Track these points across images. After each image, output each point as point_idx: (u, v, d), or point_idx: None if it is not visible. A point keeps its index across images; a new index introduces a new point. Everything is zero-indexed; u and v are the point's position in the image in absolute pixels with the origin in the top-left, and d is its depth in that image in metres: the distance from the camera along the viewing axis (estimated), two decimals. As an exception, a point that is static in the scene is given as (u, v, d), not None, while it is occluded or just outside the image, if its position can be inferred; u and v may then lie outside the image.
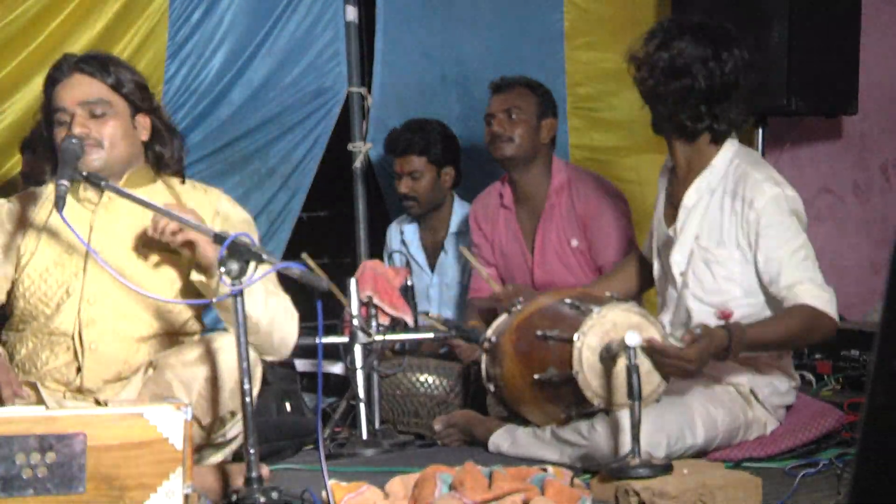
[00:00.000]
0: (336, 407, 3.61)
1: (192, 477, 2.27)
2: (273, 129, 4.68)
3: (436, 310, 4.39)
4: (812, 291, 2.95)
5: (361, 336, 3.50)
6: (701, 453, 2.98)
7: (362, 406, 3.43)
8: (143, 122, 2.97)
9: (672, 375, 2.91)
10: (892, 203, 4.72)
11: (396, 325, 3.77)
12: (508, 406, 3.28)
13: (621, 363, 2.82)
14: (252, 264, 2.47)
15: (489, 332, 3.32)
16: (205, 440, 2.79)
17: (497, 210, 4.21)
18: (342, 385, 3.74)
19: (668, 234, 3.24)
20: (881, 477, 1.22)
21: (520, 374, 3.14)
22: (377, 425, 3.47)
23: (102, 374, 2.87)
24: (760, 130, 4.45)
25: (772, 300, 3.06)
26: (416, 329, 3.81)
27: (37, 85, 3.62)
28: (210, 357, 2.75)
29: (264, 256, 2.46)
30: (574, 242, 4.06)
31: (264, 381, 3.00)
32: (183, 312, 2.95)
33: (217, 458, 2.85)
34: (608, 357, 2.91)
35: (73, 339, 2.87)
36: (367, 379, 3.49)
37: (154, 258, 2.90)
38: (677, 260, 3.19)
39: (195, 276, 2.79)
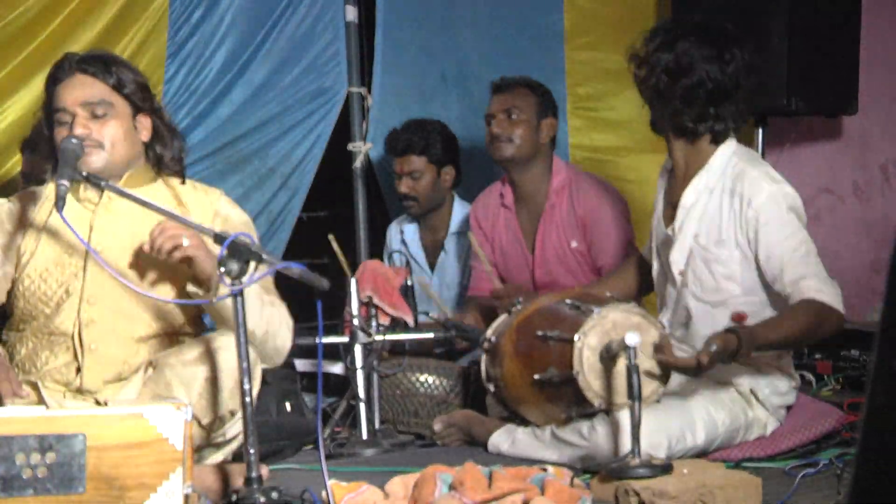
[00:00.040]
0: (336, 407, 3.61)
1: (192, 477, 2.27)
2: (273, 129, 4.68)
3: (435, 309, 4.39)
4: (816, 286, 2.94)
5: (361, 336, 3.50)
6: (701, 454, 2.98)
7: (362, 406, 3.43)
8: (144, 122, 2.97)
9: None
10: (892, 203, 4.72)
11: (396, 325, 3.77)
12: (508, 406, 3.28)
13: (621, 363, 2.82)
14: (252, 264, 2.47)
15: (489, 333, 3.32)
16: (205, 440, 2.79)
17: (497, 210, 4.21)
18: (342, 385, 3.74)
19: (666, 233, 3.24)
20: (881, 477, 1.22)
21: (520, 375, 3.14)
22: (377, 425, 3.47)
23: (102, 375, 2.87)
24: (760, 130, 4.44)
25: (776, 297, 3.06)
26: (416, 329, 3.81)
27: (37, 85, 3.63)
28: (210, 356, 2.75)
29: (264, 256, 2.46)
30: (573, 243, 4.06)
31: (264, 381, 3.00)
32: (182, 313, 2.95)
33: (217, 457, 2.85)
34: (608, 357, 2.91)
35: (72, 339, 2.88)
36: (367, 379, 3.49)
37: (154, 258, 2.89)
38: (676, 259, 3.19)
39: (191, 289, 2.78)
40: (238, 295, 2.44)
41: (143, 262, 2.89)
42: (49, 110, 2.93)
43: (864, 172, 4.80)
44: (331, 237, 3.48)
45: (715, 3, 4.19)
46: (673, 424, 2.93)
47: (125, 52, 4.14)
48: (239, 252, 2.44)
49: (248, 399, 2.45)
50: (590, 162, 4.76)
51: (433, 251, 4.60)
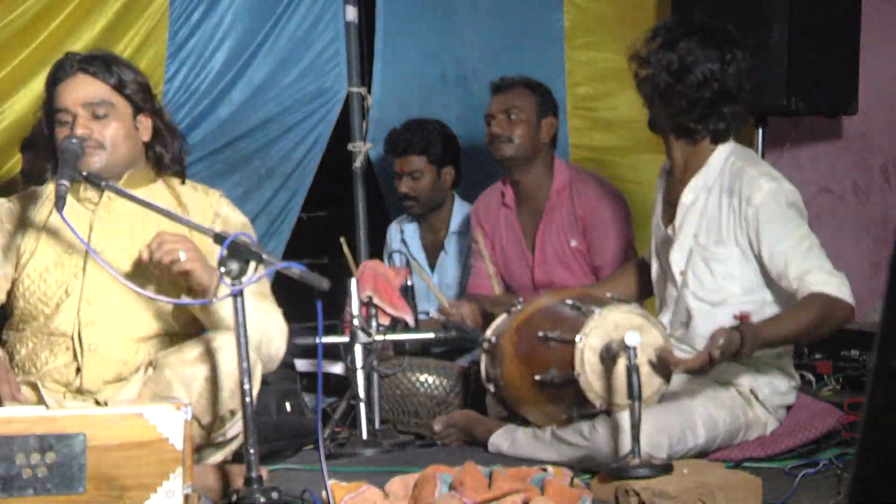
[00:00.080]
0: (336, 407, 3.60)
1: (192, 477, 2.27)
2: (273, 129, 4.68)
3: (435, 305, 4.39)
4: (822, 279, 2.94)
5: (361, 336, 3.50)
6: (702, 454, 2.98)
7: (362, 406, 3.43)
8: (145, 122, 2.96)
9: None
10: (892, 203, 4.72)
11: (396, 325, 3.77)
12: (508, 406, 3.28)
13: (621, 363, 2.82)
14: (252, 264, 2.47)
15: (489, 333, 3.32)
16: (205, 439, 2.79)
17: (498, 209, 4.21)
18: (342, 385, 3.74)
19: (666, 233, 3.25)
20: (881, 477, 1.22)
21: (520, 375, 3.14)
22: (377, 425, 3.47)
23: (102, 375, 2.87)
24: (760, 130, 4.44)
25: (782, 294, 3.06)
26: (417, 329, 3.81)
27: (37, 85, 3.63)
28: (210, 356, 2.74)
29: (264, 256, 2.46)
30: (573, 243, 4.06)
31: (264, 381, 3.00)
32: (183, 313, 2.94)
33: (217, 457, 2.84)
34: (608, 357, 2.91)
35: (72, 339, 2.87)
36: (367, 379, 3.49)
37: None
38: (676, 259, 3.19)
39: (185, 299, 2.78)
40: (238, 295, 2.44)
41: (143, 262, 2.89)
42: (49, 110, 2.92)
43: (864, 172, 4.80)
44: (343, 240, 3.47)
45: (715, 2, 4.20)
46: (673, 424, 2.93)
47: (125, 52, 4.13)
48: (239, 252, 2.44)
49: (248, 399, 2.45)
50: (590, 162, 4.76)
51: (433, 251, 4.60)
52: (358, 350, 3.48)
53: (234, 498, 2.44)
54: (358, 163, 4.80)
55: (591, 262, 4.05)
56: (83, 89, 2.88)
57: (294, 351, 3.75)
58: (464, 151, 4.62)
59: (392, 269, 3.97)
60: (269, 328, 2.83)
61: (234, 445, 2.85)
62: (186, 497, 2.24)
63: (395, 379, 3.63)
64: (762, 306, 3.09)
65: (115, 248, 2.89)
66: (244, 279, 2.45)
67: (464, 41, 4.98)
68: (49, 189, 2.94)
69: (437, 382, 3.64)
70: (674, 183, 3.25)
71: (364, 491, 2.58)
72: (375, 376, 3.52)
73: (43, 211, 2.95)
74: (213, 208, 3.01)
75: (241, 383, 2.45)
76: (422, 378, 3.63)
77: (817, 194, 4.77)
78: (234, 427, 2.79)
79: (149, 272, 2.88)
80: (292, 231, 4.76)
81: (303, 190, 4.75)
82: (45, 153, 2.98)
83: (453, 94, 5.00)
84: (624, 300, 3.14)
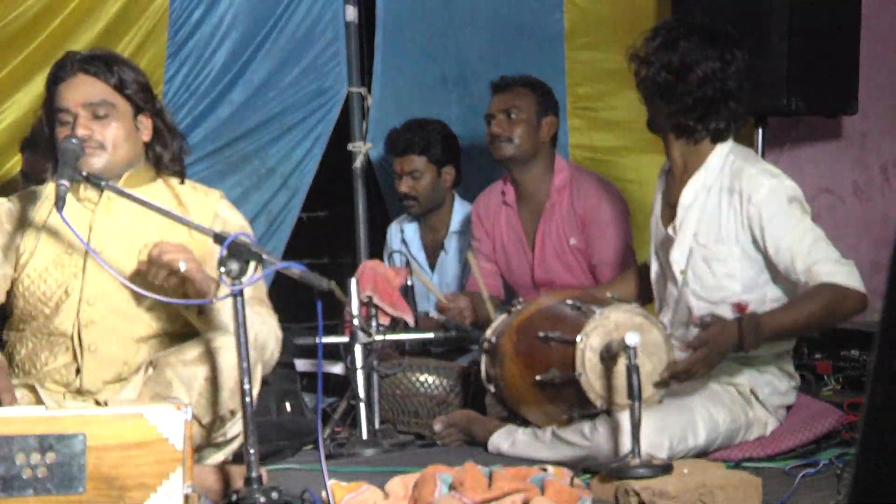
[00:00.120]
0: (336, 407, 3.60)
1: (192, 477, 2.27)
2: (273, 129, 4.68)
3: (434, 308, 4.39)
4: (830, 269, 2.95)
5: (361, 336, 3.49)
6: (702, 454, 2.98)
7: (362, 406, 3.43)
8: (145, 122, 2.96)
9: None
10: (892, 203, 4.72)
11: (396, 325, 3.77)
12: (509, 407, 3.27)
13: (622, 363, 2.82)
14: (252, 264, 2.47)
15: (489, 333, 3.32)
16: (205, 440, 2.79)
17: (499, 207, 4.22)
18: (342, 385, 3.74)
19: (666, 233, 3.25)
20: (881, 477, 1.22)
21: (520, 375, 3.14)
22: (377, 425, 3.47)
23: (102, 375, 2.87)
24: (760, 130, 4.44)
25: (792, 290, 3.07)
26: (416, 329, 3.81)
27: (37, 85, 3.63)
28: (210, 356, 2.74)
29: (264, 256, 2.46)
30: (572, 241, 4.06)
31: (264, 381, 3.00)
32: (182, 313, 2.94)
33: (217, 457, 2.84)
34: (608, 357, 2.91)
35: (72, 339, 2.87)
36: (367, 379, 3.49)
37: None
38: (677, 258, 3.19)
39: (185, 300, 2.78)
40: (238, 295, 2.44)
41: (143, 262, 2.89)
42: (50, 110, 2.92)
43: (864, 172, 4.80)
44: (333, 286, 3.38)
45: (715, 2, 4.20)
46: (674, 424, 2.93)
47: (125, 52, 4.13)
48: (239, 252, 2.44)
49: (248, 399, 2.45)
50: (590, 162, 4.76)
51: (433, 251, 4.60)
52: (358, 350, 3.48)
53: (234, 498, 2.44)
54: (358, 163, 4.80)
55: (589, 260, 4.06)
56: (84, 89, 2.88)
57: (294, 351, 3.76)
58: (464, 151, 4.62)
59: (392, 269, 3.97)
60: (262, 334, 2.82)
61: (234, 445, 2.85)
62: (186, 497, 2.24)
63: (395, 379, 3.63)
64: (762, 304, 3.09)
65: (114, 248, 2.89)
66: (244, 279, 2.44)
67: (464, 41, 4.98)
68: (49, 189, 2.94)
69: (437, 382, 3.64)
70: (673, 183, 3.25)
71: (364, 491, 2.58)
72: (375, 376, 3.52)
73: (42, 211, 2.95)
74: (212, 208, 3.01)
75: (241, 383, 2.45)
76: (422, 378, 3.63)
77: (817, 194, 4.77)
78: (235, 427, 2.79)
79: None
80: (292, 231, 4.76)
81: (303, 190, 4.75)
82: (46, 153, 2.98)
83: (453, 94, 5.00)
84: (624, 300, 3.14)
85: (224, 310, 2.75)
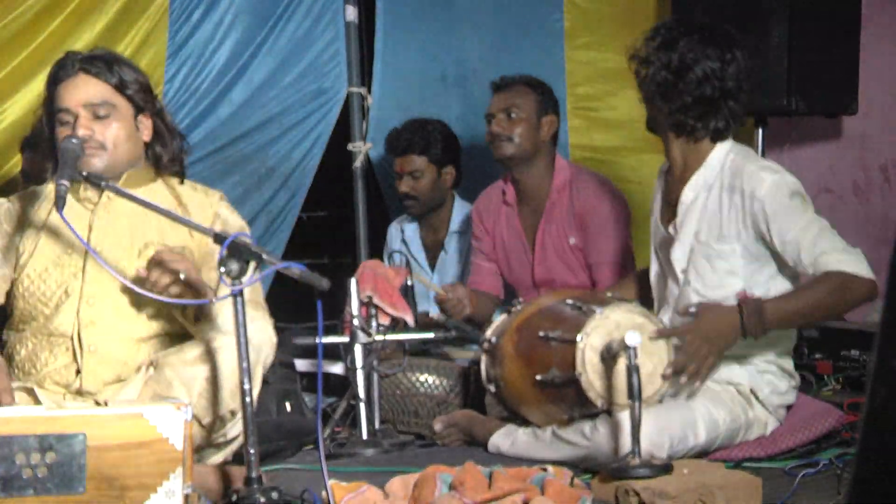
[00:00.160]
0: (336, 407, 3.60)
1: (192, 477, 2.27)
2: (273, 129, 4.68)
3: (436, 309, 4.39)
4: (835, 257, 2.95)
5: (361, 336, 3.49)
6: (702, 453, 2.98)
7: (362, 406, 3.43)
8: (146, 122, 2.96)
9: (697, 363, 2.94)
10: (892, 203, 4.72)
11: (396, 325, 3.77)
12: (509, 406, 3.27)
13: (622, 363, 2.82)
14: (252, 264, 2.47)
15: (489, 333, 3.32)
16: (205, 440, 2.79)
17: (499, 207, 4.22)
18: (342, 385, 3.74)
19: (667, 232, 3.25)
20: (881, 477, 1.22)
21: (521, 375, 3.14)
22: (377, 425, 3.47)
23: (102, 376, 2.87)
24: (760, 130, 4.45)
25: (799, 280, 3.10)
26: (417, 329, 3.81)
27: (37, 85, 3.63)
28: (210, 356, 2.74)
29: (264, 256, 2.46)
30: (572, 240, 4.06)
31: (264, 381, 3.00)
32: (182, 313, 2.94)
33: (218, 458, 2.84)
34: (609, 357, 2.91)
35: (72, 340, 2.87)
36: (367, 379, 3.48)
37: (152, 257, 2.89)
38: (678, 258, 3.20)
39: (178, 315, 2.78)
40: (238, 295, 2.44)
41: (143, 261, 2.88)
42: (50, 109, 2.92)
43: (864, 172, 4.80)
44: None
45: (715, 2, 4.20)
46: (674, 424, 2.93)
47: (125, 52, 4.13)
48: (239, 252, 2.44)
49: (248, 399, 2.45)
50: (590, 162, 4.76)
51: (434, 251, 4.61)
52: (358, 350, 3.48)
53: (234, 498, 2.44)
54: (358, 163, 4.80)
55: (587, 259, 4.06)
56: (85, 90, 2.88)
57: (294, 351, 3.76)
58: (464, 151, 4.62)
59: (392, 269, 3.97)
60: (256, 339, 2.81)
61: (234, 446, 2.85)
62: (186, 497, 2.24)
63: (395, 379, 3.63)
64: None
65: (114, 247, 2.89)
66: (244, 279, 2.44)
67: (464, 41, 4.98)
68: (48, 189, 2.94)
69: (437, 382, 3.64)
70: (673, 182, 3.26)
71: (364, 491, 2.58)
72: (375, 376, 3.52)
73: (42, 211, 2.95)
74: (213, 209, 3.01)
75: (241, 383, 2.45)
76: (422, 378, 3.63)
77: (817, 194, 4.77)
78: (235, 428, 2.79)
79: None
80: (292, 231, 4.76)
81: (303, 190, 4.75)
82: (46, 153, 2.98)
83: (453, 94, 5.00)
84: (625, 299, 3.14)
85: (221, 314, 2.76)
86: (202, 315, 2.81)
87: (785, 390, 3.19)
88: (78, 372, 2.86)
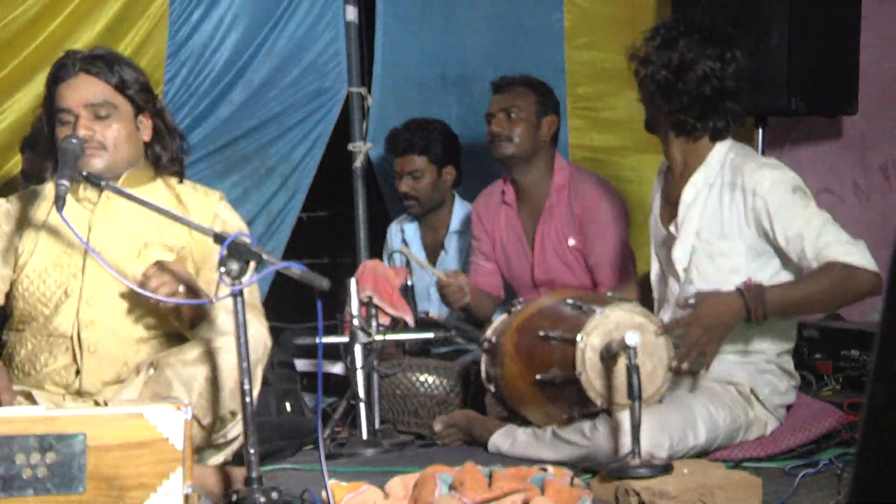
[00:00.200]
0: (336, 407, 3.60)
1: (192, 477, 2.27)
2: (273, 129, 4.68)
3: (436, 309, 4.39)
4: (840, 250, 2.96)
5: (361, 336, 3.49)
6: (702, 453, 2.98)
7: (362, 406, 3.43)
8: (146, 122, 2.96)
9: (697, 352, 2.94)
10: (892, 203, 4.72)
11: (396, 325, 3.77)
12: (509, 406, 3.27)
13: (622, 363, 2.82)
14: (251, 264, 2.47)
15: (489, 333, 3.32)
16: (205, 440, 2.78)
17: (499, 206, 4.22)
18: (342, 385, 3.74)
19: (666, 232, 3.25)
20: (881, 477, 1.22)
21: (521, 375, 3.14)
22: (377, 425, 3.47)
23: (102, 376, 2.87)
24: (760, 130, 4.45)
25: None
26: (417, 329, 3.81)
27: (37, 85, 3.63)
28: (210, 357, 2.74)
29: (264, 256, 2.46)
30: (571, 241, 4.07)
31: (264, 381, 3.00)
32: (182, 314, 2.94)
33: (218, 458, 2.84)
34: (608, 357, 2.91)
35: (71, 340, 2.87)
36: (367, 379, 3.49)
37: (153, 258, 2.89)
38: (679, 256, 3.20)
39: (173, 320, 2.78)
40: (238, 294, 2.44)
41: (143, 261, 2.88)
42: (50, 109, 2.91)
43: (864, 172, 4.80)
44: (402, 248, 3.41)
45: (715, 3, 4.20)
46: (674, 424, 2.93)
47: (125, 52, 4.12)
48: (239, 252, 2.44)
49: (248, 399, 2.45)
50: (590, 162, 4.76)
51: (434, 251, 4.61)
52: (358, 350, 3.48)
53: (234, 498, 2.44)
54: (358, 163, 4.80)
55: (587, 261, 4.06)
56: (85, 90, 2.88)
57: (294, 351, 3.76)
58: (464, 151, 4.62)
59: (392, 269, 3.97)
60: (250, 341, 2.81)
61: (234, 446, 2.85)
62: (186, 497, 2.24)
63: (395, 379, 3.63)
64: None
65: (114, 247, 2.89)
66: (244, 279, 2.44)
67: (464, 41, 4.98)
68: (48, 189, 2.94)
69: (437, 382, 3.64)
70: (673, 182, 3.26)
71: (364, 491, 2.58)
72: (375, 376, 3.52)
73: (42, 211, 2.94)
74: (213, 209, 3.01)
75: (242, 384, 2.45)
76: (422, 378, 3.63)
77: (817, 194, 4.74)
78: (235, 428, 2.78)
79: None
80: (292, 231, 4.76)
81: (303, 190, 4.75)
82: (46, 153, 2.98)
83: (453, 94, 5.00)
84: (625, 299, 3.14)
85: (220, 315, 2.76)
86: (199, 319, 2.81)
87: (785, 390, 3.19)
88: (78, 372, 2.86)
